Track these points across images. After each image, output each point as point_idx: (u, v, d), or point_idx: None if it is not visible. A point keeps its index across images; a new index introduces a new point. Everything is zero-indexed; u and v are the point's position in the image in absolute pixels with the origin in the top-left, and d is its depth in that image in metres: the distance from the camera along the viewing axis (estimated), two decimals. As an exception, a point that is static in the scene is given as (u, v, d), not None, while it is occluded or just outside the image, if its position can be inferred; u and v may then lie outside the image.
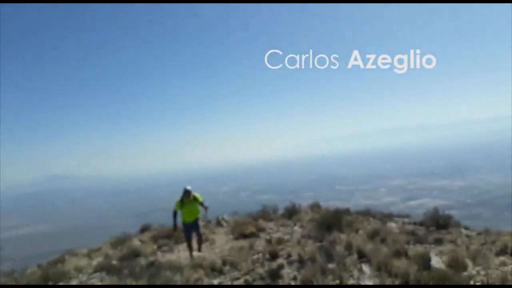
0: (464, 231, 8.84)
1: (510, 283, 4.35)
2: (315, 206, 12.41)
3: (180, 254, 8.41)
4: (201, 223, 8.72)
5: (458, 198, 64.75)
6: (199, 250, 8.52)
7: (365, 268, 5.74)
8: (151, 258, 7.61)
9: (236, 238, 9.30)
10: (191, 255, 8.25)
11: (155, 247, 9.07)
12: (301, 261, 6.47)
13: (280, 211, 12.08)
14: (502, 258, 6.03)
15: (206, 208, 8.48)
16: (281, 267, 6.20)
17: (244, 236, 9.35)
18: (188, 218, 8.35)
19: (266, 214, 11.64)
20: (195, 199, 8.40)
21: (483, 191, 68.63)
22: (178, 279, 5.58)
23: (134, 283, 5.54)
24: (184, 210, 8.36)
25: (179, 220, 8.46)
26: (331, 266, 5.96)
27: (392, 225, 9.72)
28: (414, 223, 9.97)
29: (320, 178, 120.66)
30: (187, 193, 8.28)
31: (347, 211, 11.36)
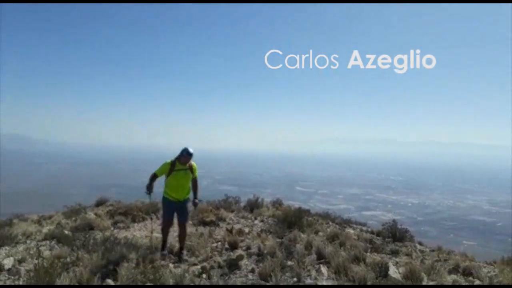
0: (418, 246, 9.12)
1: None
2: (277, 203, 12.45)
3: (136, 233, 8.14)
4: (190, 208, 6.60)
5: (409, 214, 67.18)
6: (181, 248, 6.42)
7: (323, 269, 5.76)
8: (106, 233, 7.31)
9: (196, 225, 9.14)
10: (163, 246, 6.41)
11: (110, 222, 8.75)
12: (260, 255, 6.42)
13: (242, 204, 12.04)
14: (454, 276, 6.22)
15: (197, 187, 6.46)
16: (240, 258, 6.12)
17: (204, 223, 9.21)
18: (175, 193, 6.19)
19: (228, 204, 11.55)
20: (192, 170, 6.27)
21: (433, 211, 71.58)
22: (133, 257, 5.37)
23: (86, 255, 5.28)
24: (171, 180, 6.15)
25: (158, 194, 6.48)
26: (290, 263, 5.94)
27: (350, 231, 9.87)
28: (372, 232, 10.18)
29: (283, 176, 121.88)
30: (186, 156, 6.08)
31: (308, 212, 11.49)
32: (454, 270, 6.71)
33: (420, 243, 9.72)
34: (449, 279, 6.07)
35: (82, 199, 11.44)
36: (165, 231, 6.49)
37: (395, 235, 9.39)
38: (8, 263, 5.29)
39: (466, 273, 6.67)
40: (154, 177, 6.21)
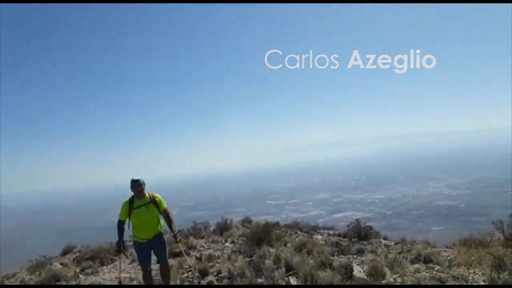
0: (383, 241, 9.52)
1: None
2: (246, 221, 12.56)
3: (105, 276, 7.95)
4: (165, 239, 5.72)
5: (378, 210, 68.97)
6: (167, 284, 5.66)
7: (292, 280, 5.92)
8: (72, 282, 7.10)
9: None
10: None
11: (77, 270, 8.49)
12: (230, 277, 6.50)
13: (212, 227, 12.05)
14: (416, 265, 6.57)
15: (171, 219, 5.65)
16: (211, 284, 6.15)
17: (175, 254, 9.13)
18: (143, 233, 5.35)
19: (197, 231, 11.52)
20: (154, 201, 5.41)
21: (400, 203, 73.89)
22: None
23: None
24: (134, 220, 5.31)
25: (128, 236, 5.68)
26: (260, 280, 6.05)
27: (318, 237, 10.14)
28: (338, 235, 10.51)
29: (252, 192, 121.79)
30: (136, 185, 5.26)
31: (276, 225, 11.67)
32: (416, 259, 7.09)
33: (385, 238, 10.15)
34: (412, 268, 6.41)
35: (47, 250, 11.01)
36: (146, 283, 5.60)
37: (360, 234, 9.75)
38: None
39: (427, 260, 7.06)
40: (120, 225, 5.36)
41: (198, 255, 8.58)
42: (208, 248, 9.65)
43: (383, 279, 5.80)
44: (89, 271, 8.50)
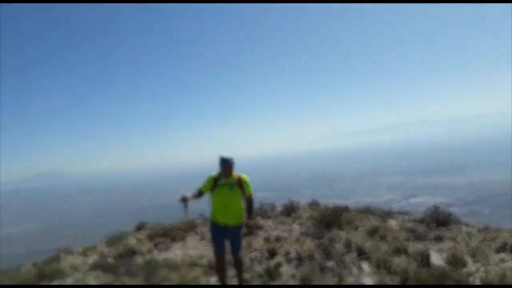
0: (464, 228, 8.79)
1: (509, 279, 4.28)
2: (314, 204, 12.33)
3: (176, 252, 8.33)
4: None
5: (458, 196, 64.68)
6: (240, 277, 5.16)
7: (364, 265, 5.68)
8: (148, 256, 7.53)
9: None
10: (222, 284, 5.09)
11: (151, 245, 9.00)
12: (299, 259, 6.41)
13: (278, 209, 12.03)
14: (501, 254, 5.98)
15: (252, 207, 5.12)
16: (279, 265, 6.14)
17: (244, 234, 9.28)
18: (221, 216, 4.85)
19: (264, 212, 11.57)
20: (240, 184, 4.89)
21: (483, 188, 68.57)
22: (174, 277, 5.51)
23: (130, 281, 5.48)
24: (215, 198, 4.87)
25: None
26: (330, 263, 5.90)
27: (391, 222, 9.66)
28: (414, 220, 9.90)
29: (315, 176, 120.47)
30: (225, 164, 4.80)
31: (346, 209, 11.32)
32: (502, 248, 6.43)
33: (467, 225, 9.36)
34: (496, 258, 5.83)
35: (120, 226, 11.79)
36: (219, 268, 5.04)
37: (438, 220, 9.10)
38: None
39: (515, 250, 6.38)
40: (199, 193, 4.86)
41: (266, 235, 8.61)
42: (275, 229, 9.65)
43: (463, 268, 5.35)
44: (162, 246, 8.96)
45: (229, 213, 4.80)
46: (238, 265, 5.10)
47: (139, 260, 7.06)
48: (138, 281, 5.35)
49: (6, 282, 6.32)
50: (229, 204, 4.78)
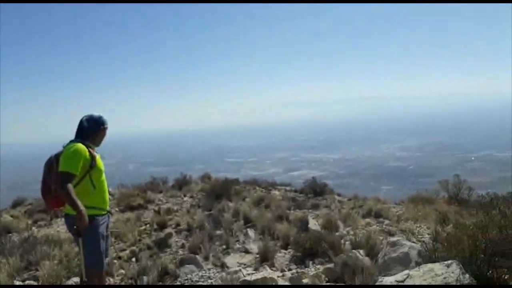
0: (337, 198, 9.92)
1: (373, 240, 5.05)
2: (205, 177, 12.55)
3: (59, 228, 7.78)
4: None
5: (332, 169, 71.53)
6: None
7: (250, 232, 6.08)
8: (25, 234, 6.90)
9: (123, 211, 8.95)
10: None
11: (29, 222, 8.24)
12: (189, 230, 6.57)
13: (170, 183, 11.98)
14: (367, 219, 6.97)
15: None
16: (169, 236, 6.21)
17: (132, 208, 9.05)
18: (105, 200, 3.27)
19: (155, 185, 11.40)
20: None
21: (353, 163, 76.96)
22: (56, 253, 5.19)
23: (4, 260, 4.99)
24: (99, 177, 3.23)
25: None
26: (218, 232, 6.16)
27: (275, 193, 10.38)
28: (295, 191, 10.80)
29: (212, 149, 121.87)
30: (105, 128, 3.34)
31: (235, 181, 11.78)
32: (368, 214, 7.50)
33: (339, 194, 10.56)
34: (363, 222, 6.80)
35: (-1, 203, 10.54)
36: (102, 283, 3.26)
37: (315, 190, 10.09)
38: None
39: (378, 215, 7.50)
40: (72, 186, 2.95)
41: (156, 208, 8.56)
42: (166, 202, 9.63)
43: (336, 232, 6.10)
44: (42, 223, 8.28)
45: (107, 196, 3.35)
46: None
47: (15, 238, 6.43)
48: (14, 259, 4.91)
49: None
50: (106, 183, 3.33)
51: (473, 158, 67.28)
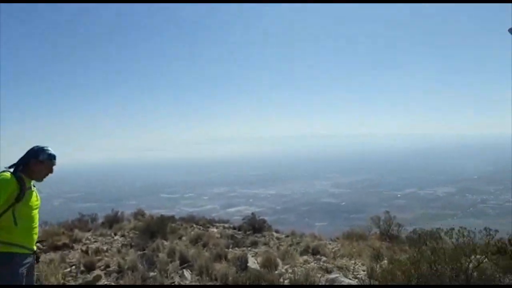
0: (275, 234, 9.93)
1: (312, 278, 5.05)
2: (139, 214, 11.99)
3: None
4: None
5: (269, 205, 72.15)
6: None
7: (187, 273, 5.81)
8: None
9: (46, 251, 8.17)
10: None
11: None
12: (120, 271, 6.12)
13: (100, 220, 11.27)
14: (305, 257, 7.02)
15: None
16: (97, 278, 5.73)
17: (56, 248, 8.29)
18: (28, 238, 2.90)
19: (83, 223, 10.63)
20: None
21: (289, 199, 78.33)
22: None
23: None
24: (24, 210, 2.87)
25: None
26: (152, 274, 5.81)
27: (213, 230, 10.16)
28: (234, 228, 10.66)
29: (146, 185, 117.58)
30: (52, 164, 3.11)
31: (171, 218, 11.38)
32: (305, 251, 7.56)
33: (276, 231, 10.59)
34: (301, 260, 6.81)
35: None
36: None
37: (254, 227, 10.03)
38: None
39: (315, 252, 7.58)
40: None
41: (84, 248, 7.92)
42: (95, 242, 8.99)
43: (275, 270, 6.03)
44: None
45: (35, 233, 2.99)
46: None
47: None
48: None
49: None
50: (35, 219, 3.00)
51: (399, 196, 71.82)
